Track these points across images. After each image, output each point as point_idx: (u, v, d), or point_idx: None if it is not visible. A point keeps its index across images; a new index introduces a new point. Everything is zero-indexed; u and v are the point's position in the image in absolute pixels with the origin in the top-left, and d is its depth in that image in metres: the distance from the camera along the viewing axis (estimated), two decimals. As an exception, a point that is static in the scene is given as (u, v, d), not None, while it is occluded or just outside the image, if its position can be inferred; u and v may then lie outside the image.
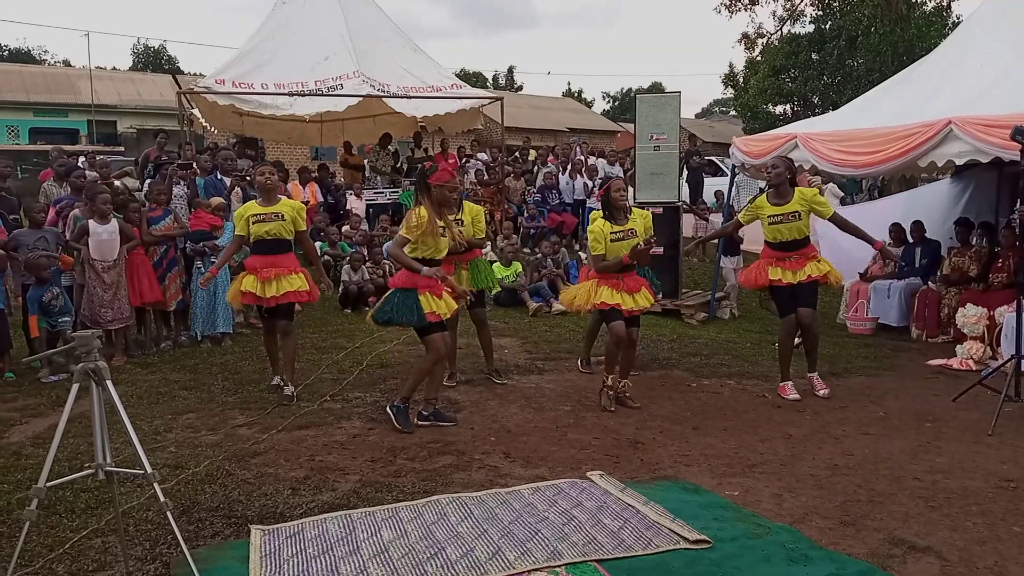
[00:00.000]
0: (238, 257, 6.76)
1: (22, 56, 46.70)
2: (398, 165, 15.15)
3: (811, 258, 6.25)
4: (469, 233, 6.23)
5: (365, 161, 15.46)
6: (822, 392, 6.25)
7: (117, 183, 11.30)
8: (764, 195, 6.44)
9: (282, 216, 5.98)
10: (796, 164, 8.85)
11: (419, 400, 5.56)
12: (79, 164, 11.54)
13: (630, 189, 8.07)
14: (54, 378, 6.71)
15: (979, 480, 4.51)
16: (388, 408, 5.51)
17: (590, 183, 14.15)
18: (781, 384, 6.35)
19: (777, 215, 6.16)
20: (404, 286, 5.29)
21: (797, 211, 6.11)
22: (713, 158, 21.41)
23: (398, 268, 5.57)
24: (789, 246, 6.21)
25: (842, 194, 16.39)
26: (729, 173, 10.91)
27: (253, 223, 5.96)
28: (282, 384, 6.19)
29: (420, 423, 5.46)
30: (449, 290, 5.45)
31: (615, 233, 5.85)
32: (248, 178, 9.42)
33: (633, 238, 5.85)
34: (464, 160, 15.07)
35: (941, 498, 4.25)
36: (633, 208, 6.14)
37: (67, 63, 46.08)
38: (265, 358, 6.65)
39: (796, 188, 6.25)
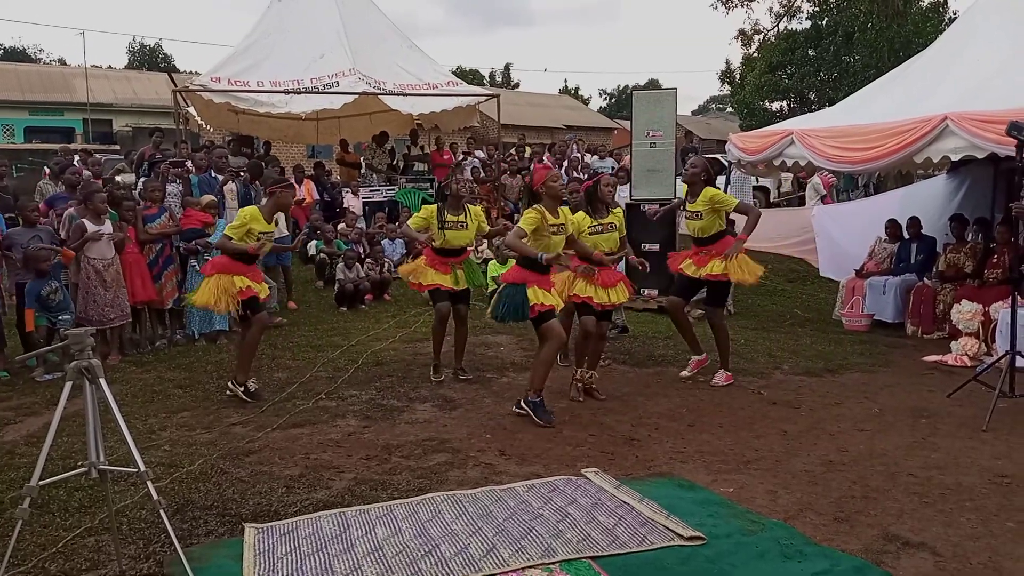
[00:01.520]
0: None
1: (17, 55, 46.61)
2: (394, 163, 15.14)
3: (716, 256, 6.31)
4: (470, 236, 6.54)
5: (361, 159, 15.44)
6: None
7: (119, 178, 11.30)
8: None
9: None
10: (793, 161, 8.90)
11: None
12: (74, 162, 11.50)
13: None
14: (48, 377, 6.70)
15: (973, 476, 4.51)
16: (523, 403, 5.53)
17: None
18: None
19: (688, 212, 6.45)
20: (514, 281, 5.40)
21: (699, 211, 6.34)
22: (717, 156, 21.37)
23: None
24: (697, 242, 6.48)
25: (824, 192, 16.37)
26: (726, 169, 10.89)
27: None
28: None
29: (516, 410, 5.54)
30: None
31: (593, 226, 6.06)
32: (242, 175, 9.41)
33: (612, 231, 6.12)
34: (461, 158, 15.05)
35: (935, 494, 4.25)
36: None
37: (63, 62, 46.03)
38: (260, 356, 6.64)
39: (706, 188, 6.38)
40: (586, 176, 14.12)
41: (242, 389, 6.05)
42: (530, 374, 5.73)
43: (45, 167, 11.65)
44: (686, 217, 6.52)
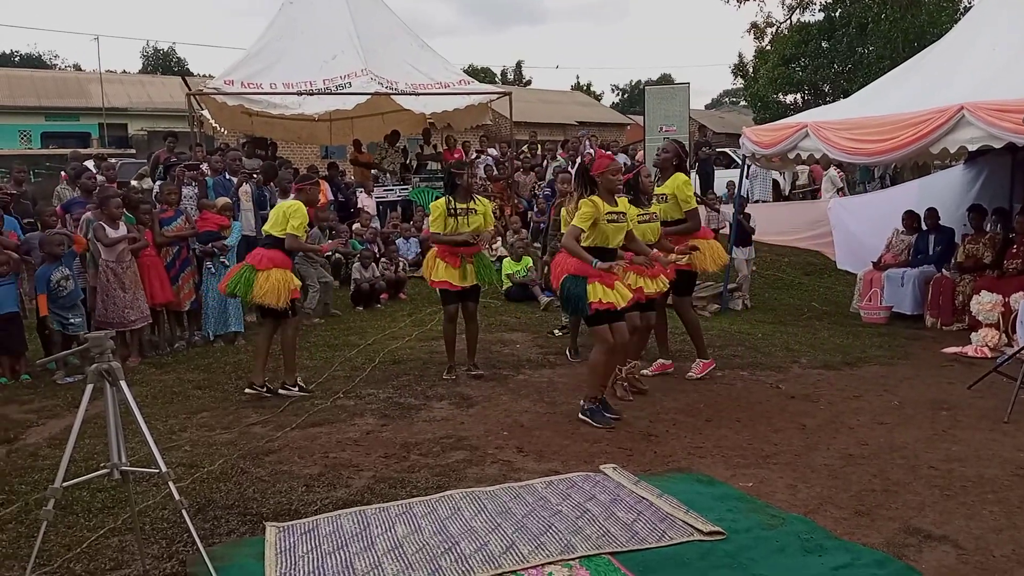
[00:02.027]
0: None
1: (33, 61, 47.05)
2: (407, 162, 15.17)
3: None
4: (482, 225, 6.52)
5: (372, 158, 15.50)
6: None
7: (134, 182, 11.39)
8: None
9: None
10: (808, 154, 8.85)
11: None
12: (90, 167, 11.59)
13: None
14: (69, 379, 6.76)
15: (995, 468, 4.47)
16: (580, 415, 5.41)
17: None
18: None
19: (657, 194, 6.45)
20: (575, 273, 5.24)
21: (666, 194, 6.37)
22: (726, 149, 21.32)
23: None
24: (666, 225, 6.41)
25: (841, 185, 16.27)
26: (741, 164, 10.85)
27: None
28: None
29: (581, 416, 5.43)
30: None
31: (641, 216, 5.97)
32: (256, 176, 9.47)
33: (655, 222, 6.15)
34: (474, 156, 15.05)
35: (957, 486, 4.22)
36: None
37: (78, 67, 46.34)
38: (277, 356, 6.64)
39: (676, 174, 6.44)
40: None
41: (297, 388, 6.20)
42: (588, 379, 5.52)
43: (63, 172, 11.75)
44: (657, 201, 6.48)
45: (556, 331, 8.18)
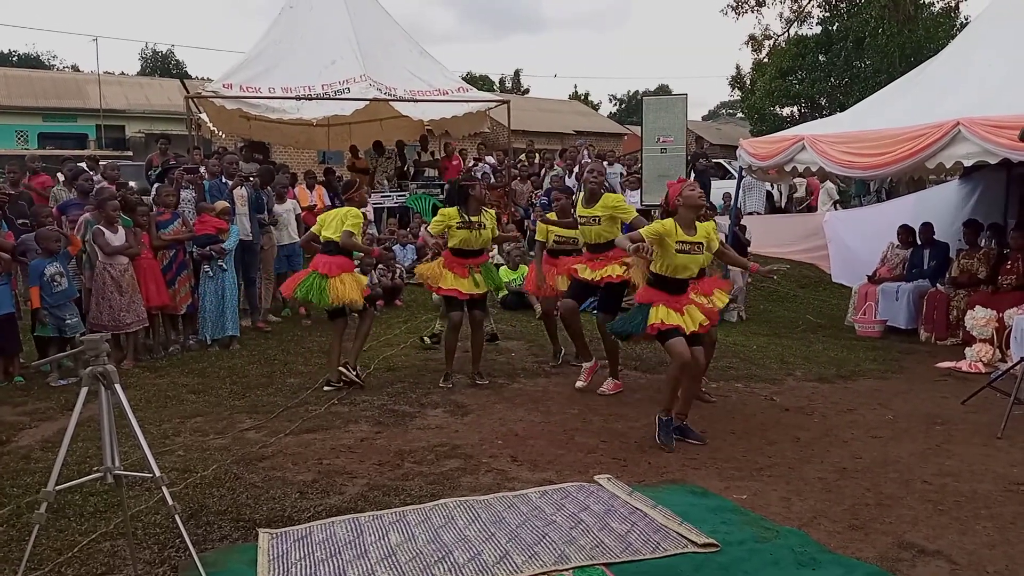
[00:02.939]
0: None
1: (31, 61, 46.99)
2: (404, 168, 15.18)
3: (613, 260, 6.30)
4: (489, 236, 6.65)
5: (368, 165, 15.50)
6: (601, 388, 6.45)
7: (133, 183, 11.37)
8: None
9: None
10: (804, 166, 8.88)
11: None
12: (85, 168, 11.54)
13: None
14: (63, 382, 6.72)
15: (989, 483, 4.48)
16: (655, 420, 5.30)
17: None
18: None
19: (585, 217, 6.44)
20: (641, 301, 5.22)
21: (598, 216, 6.35)
22: (721, 160, 21.37)
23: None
24: (591, 248, 6.50)
25: (837, 197, 16.35)
26: (737, 175, 10.88)
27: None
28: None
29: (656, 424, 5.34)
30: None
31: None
32: (253, 179, 9.47)
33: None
34: (472, 164, 15.08)
35: (950, 501, 4.23)
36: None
37: (75, 68, 46.36)
38: (272, 361, 6.69)
39: (606, 195, 6.44)
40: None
41: (355, 373, 6.54)
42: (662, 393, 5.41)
43: (59, 173, 11.73)
44: (581, 222, 6.50)
45: (426, 338, 8.15)
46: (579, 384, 6.56)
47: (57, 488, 3.11)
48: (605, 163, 15.33)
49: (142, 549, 3.67)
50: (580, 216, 6.50)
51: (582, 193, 6.71)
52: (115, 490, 3.63)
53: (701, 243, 5.15)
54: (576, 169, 14.51)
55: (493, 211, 7.00)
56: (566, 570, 3.46)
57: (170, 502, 3.18)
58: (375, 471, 4.72)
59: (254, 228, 8.93)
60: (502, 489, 4.43)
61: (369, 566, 3.52)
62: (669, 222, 5.13)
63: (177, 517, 3.18)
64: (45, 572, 3.48)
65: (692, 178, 14.68)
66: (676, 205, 5.18)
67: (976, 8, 39.51)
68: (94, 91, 27.65)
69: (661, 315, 5.05)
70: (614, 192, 6.70)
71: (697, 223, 5.22)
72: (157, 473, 3.19)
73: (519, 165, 15.71)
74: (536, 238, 7.13)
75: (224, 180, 8.88)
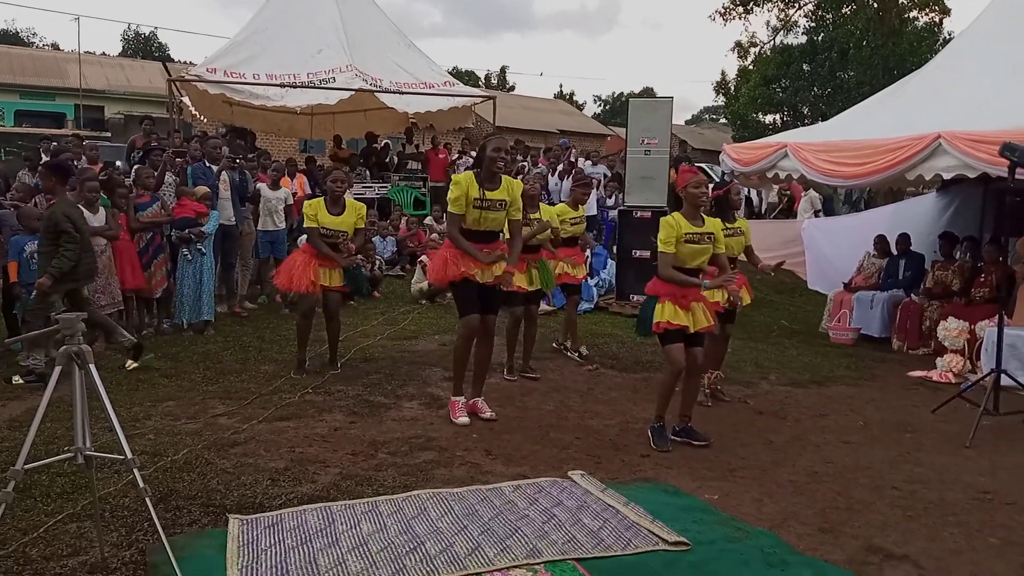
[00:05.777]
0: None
1: (10, 38, 46.16)
2: (387, 160, 15.10)
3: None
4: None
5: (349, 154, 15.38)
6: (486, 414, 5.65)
7: (119, 163, 11.23)
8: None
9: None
10: (786, 173, 8.95)
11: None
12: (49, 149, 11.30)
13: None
14: (33, 362, 6.61)
15: (957, 491, 4.54)
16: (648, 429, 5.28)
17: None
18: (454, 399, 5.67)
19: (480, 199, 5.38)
20: (648, 293, 5.15)
21: (504, 199, 5.39)
22: (703, 165, 21.48)
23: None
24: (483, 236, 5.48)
25: (819, 207, 16.48)
26: (718, 180, 10.93)
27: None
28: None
29: (672, 438, 5.24)
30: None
31: (726, 230, 5.62)
32: (238, 162, 9.39)
33: (740, 235, 6.10)
34: (456, 158, 15.04)
35: (919, 508, 4.28)
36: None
37: (56, 46, 45.72)
38: (247, 348, 6.63)
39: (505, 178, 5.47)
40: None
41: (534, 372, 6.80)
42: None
43: (23, 155, 11.50)
44: (474, 206, 5.32)
45: (574, 354, 7.56)
46: (463, 420, 5.49)
47: (26, 467, 3.06)
48: (589, 162, 15.43)
49: (109, 532, 3.63)
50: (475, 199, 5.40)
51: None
52: (83, 471, 3.58)
53: (711, 233, 5.13)
54: (560, 167, 14.51)
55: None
56: (538, 564, 3.46)
57: (141, 484, 3.13)
58: (348, 461, 4.69)
59: (236, 213, 8.85)
60: (476, 482, 4.42)
61: (340, 555, 3.50)
62: (675, 218, 5.08)
63: (148, 500, 3.13)
64: (9, 552, 3.43)
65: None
66: (681, 193, 5.17)
67: (959, 24, 40.03)
68: (74, 70, 27.27)
69: (667, 314, 4.99)
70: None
71: (706, 217, 5.22)
72: (129, 455, 3.15)
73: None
74: None
75: (208, 164, 8.80)
